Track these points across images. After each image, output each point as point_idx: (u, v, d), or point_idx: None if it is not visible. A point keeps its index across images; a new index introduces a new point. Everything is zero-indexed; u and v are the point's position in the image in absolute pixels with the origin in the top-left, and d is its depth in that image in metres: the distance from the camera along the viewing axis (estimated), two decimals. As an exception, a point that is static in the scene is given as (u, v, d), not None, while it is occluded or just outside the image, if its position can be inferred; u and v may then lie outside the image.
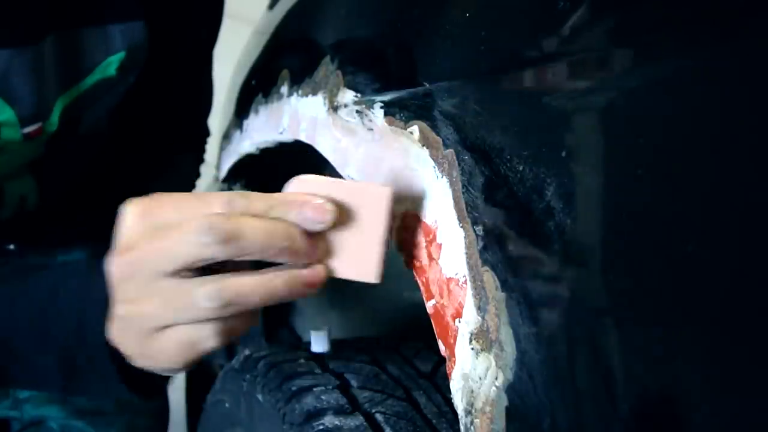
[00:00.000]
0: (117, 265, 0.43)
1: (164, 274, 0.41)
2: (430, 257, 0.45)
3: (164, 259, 0.40)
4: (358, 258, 0.42)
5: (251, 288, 0.41)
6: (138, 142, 0.88)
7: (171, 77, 0.83)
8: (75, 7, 0.64)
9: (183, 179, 0.92)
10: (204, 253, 0.40)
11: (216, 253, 0.40)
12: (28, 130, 0.64)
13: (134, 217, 0.42)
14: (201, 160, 0.98)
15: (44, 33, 0.62)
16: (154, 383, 0.54)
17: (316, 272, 0.42)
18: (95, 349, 0.48)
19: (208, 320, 0.42)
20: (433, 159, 0.45)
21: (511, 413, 0.37)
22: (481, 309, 0.40)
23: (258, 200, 0.41)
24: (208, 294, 0.40)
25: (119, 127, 0.82)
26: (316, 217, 0.41)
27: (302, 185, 0.43)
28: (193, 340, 0.42)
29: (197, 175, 0.98)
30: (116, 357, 0.48)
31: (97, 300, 0.47)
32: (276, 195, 0.42)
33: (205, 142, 0.99)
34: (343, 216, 0.41)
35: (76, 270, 0.53)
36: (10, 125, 0.63)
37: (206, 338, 0.42)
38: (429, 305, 0.45)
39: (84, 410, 0.89)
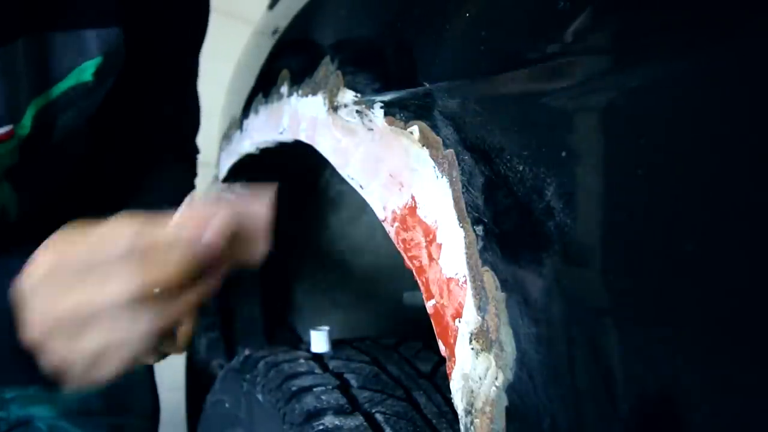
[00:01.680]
0: (41, 323, 0.47)
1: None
2: (430, 257, 0.45)
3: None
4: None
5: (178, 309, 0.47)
6: (118, 150, 0.86)
7: (151, 84, 0.82)
8: (48, 11, 0.64)
9: (169, 191, 0.91)
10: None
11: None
12: None
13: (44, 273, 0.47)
14: (194, 174, 0.97)
15: (16, 35, 0.62)
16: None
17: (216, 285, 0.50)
18: (9, 350, 0.52)
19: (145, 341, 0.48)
20: (433, 159, 0.45)
21: (511, 413, 0.37)
22: (481, 309, 0.40)
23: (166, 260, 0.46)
24: (143, 322, 0.46)
25: (99, 134, 0.81)
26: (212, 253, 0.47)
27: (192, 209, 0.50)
28: (134, 357, 0.48)
29: (191, 186, 0.97)
30: (29, 356, 0.52)
31: (3, 311, 0.51)
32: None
33: (195, 159, 0.98)
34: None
35: None
36: None
37: (145, 356, 0.49)
38: (429, 305, 0.45)
39: (72, 410, 0.89)
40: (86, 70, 0.68)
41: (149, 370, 1.01)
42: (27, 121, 0.66)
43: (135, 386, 0.98)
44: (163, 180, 0.89)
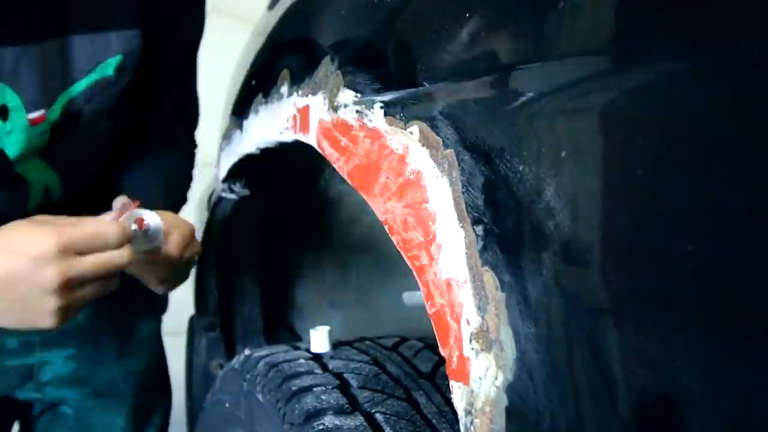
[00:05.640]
0: None
1: None
2: (430, 257, 0.45)
3: None
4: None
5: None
6: (132, 136, 0.97)
7: (160, 78, 0.93)
8: (78, 15, 0.76)
9: (171, 178, 1.00)
10: None
11: None
12: (32, 116, 0.76)
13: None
14: (191, 165, 1.05)
15: (49, 35, 0.74)
16: None
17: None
18: None
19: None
20: (433, 159, 0.45)
21: (511, 413, 0.37)
22: (481, 309, 0.40)
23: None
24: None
25: (118, 121, 0.91)
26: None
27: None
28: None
29: (189, 175, 1.04)
30: None
31: None
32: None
33: (194, 150, 1.05)
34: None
35: None
36: (17, 110, 0.75)
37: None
38: (429, 305, 0.45)
39: (99, 392, 0.99)
40: (109, 66, 0.80)
41: (163, 359, 1.11)
42: (57, 107, 0.77)
43: (156, 372, 1.08)
44: (164, 167, 1.00)
